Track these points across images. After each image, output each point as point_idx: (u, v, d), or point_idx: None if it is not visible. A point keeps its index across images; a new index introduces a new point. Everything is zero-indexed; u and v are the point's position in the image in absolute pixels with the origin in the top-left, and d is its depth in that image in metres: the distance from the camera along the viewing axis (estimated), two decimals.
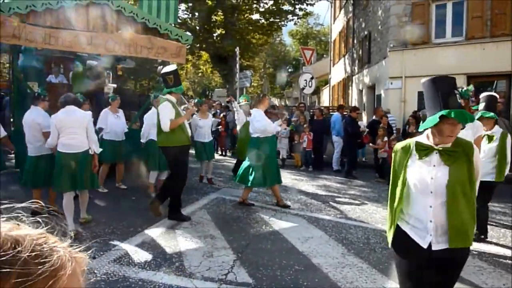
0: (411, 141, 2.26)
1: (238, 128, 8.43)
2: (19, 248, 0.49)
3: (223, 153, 13.67)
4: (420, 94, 12.11)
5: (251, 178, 6.17)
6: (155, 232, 4.96)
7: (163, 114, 5.25)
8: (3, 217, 0.56)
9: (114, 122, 6.95)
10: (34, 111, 5.38)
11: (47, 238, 0.55)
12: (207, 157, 8.12)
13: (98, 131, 6.86)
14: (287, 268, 3.95)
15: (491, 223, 5.60)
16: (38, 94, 5.54)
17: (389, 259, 4.23)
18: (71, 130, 4.81)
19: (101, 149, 5.33)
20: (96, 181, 5.22)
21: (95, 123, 6.86)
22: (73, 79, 8.98)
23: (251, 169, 6.20)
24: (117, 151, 6.98)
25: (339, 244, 4.70)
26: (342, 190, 7.93)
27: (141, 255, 4.21)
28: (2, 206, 0.61)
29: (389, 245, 2.31)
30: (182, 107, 5.61)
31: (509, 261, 4.24)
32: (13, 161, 8.23)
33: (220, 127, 13.22)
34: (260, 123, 6.14)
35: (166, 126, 5.18)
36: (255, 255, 4.31)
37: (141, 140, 6.74)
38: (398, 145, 2.31)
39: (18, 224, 0.56)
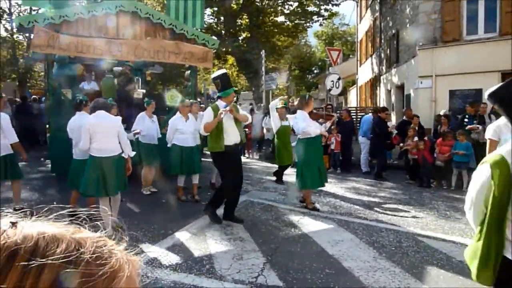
0: (503, 154, 1.81)
1: (274, 131, 8.22)
2: (82, 250, 0.52)
3: (250, 156, 13.71)
4: (452, 93, 11.77)
5: (302, 181, 6.19)
6: (185, 235, 5.02)
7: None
8: (65, 221, 0.59)
9: (150, 126, 7.10)
10: (81, 117, 5.45)
11: (106, 241, 0.58)
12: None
13: (134, 134, 7.05)
14: (318, 271, 3.91)
15: None
16: (80, 100, 5.64)
17: (423, 263, 4.13)
18: (103, 134, 4.90)
19: (134, 152, 5.43)
20: (126, 184, 5.27)
21: (128, 127, 7.06)
22: (103, 85, 9.24)
23: (299, 172, 6.25)
24: (155, 154, 7.13)
25: (370, 247, 4.62)
26: (372, 193, 7.79)
27: (172, 258, 4.27)
28: (64, 211, 0.65)
29: (476, 278, 1.96)
30: (227, 108, 5.35)
31: None
32: (49, 165, 8.54)
33: (246, 129, 13.25)
34: (300, 125, 6.08)
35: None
36: (285, 258, 4.29)
37: (168, 145, 6.80)
38: (492, 160, 1.83)
39: (79, 228, 0.59)
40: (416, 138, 8.66)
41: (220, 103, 5.41)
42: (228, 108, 5.28)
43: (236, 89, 6.56)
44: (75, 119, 5.49)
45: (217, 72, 5.62)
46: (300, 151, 6.25)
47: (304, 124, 6.03)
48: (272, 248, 4.58)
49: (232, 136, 5.39)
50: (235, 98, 6.19)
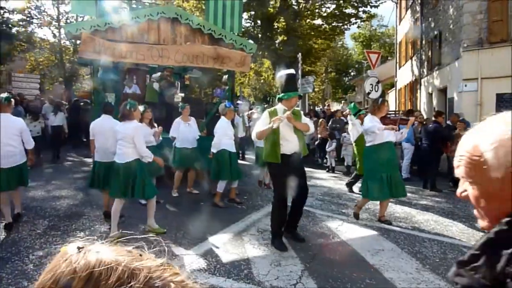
0: None
1: (352, 140, 7.79)
2: (132, 283, 0.54)
3: None
4: (499, 97, 11.22)
5: (365, 190, 5.77)
6: (223, 238, 5.06)
7: (257, 123, 4.93)
8: (131, 246, 0.60)
9: (184, 130, 7.19)
10: (105, 119, 5.57)
11: (164, 270, 0.58)
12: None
13: (172, 139, 7.20)
14: (358, 281, 3.83)
15: None
16: (108, 103, 5.73)
17: None
18: (120, 141, 4.99)
19: (149, 159, 5.15)
20: (150, 191, 5.07)
21: (168, 131, 7.21)
22: (147, 90, 9.50)
23: (364, 181, 5.89)
24: (189, 158, 7.20)
25: (412, 258, 4.47)
26: (413, 200, 7.54)
27: (211, 261, 4.31)
28: (126, 237, 0.66)
29: None
30: (285, 114, 4.67)
31: None
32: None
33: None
34: (364, 125, 5.76)
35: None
36: (323, 266, 4.23)
37: (213, 150, 6.71)
38: None
39: (140, 255, 0.60)
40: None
41: (280, 107, 4.80)
42: (285, 115, 4.60)
43: (300, 94, 5.74)
44: (98, 121, 5.60)
45: (283, 71, 4.92)
46: (365, 159, 5.88)
47: (373, 124, 5.51)
48: (310, 255, 4.53)
49: (290, 144, 4.72)
50: (298, 103, 5.57)
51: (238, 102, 15.13)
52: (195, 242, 4.91)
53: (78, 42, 8.73)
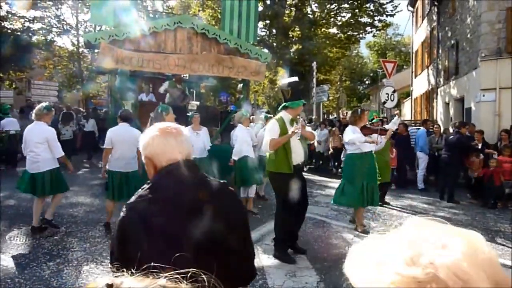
0: None
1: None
2: None
3: None
4: None
5: (339, 195, 5.85)
6: None
7: (266, 132, 4.80)
8: (162, 277, 0.59)
9: (193, 140, 7.13)
10: (123, 127, 5.53)
11: None
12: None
13: None
14: None
15: None
16: (126, 110, 5.72)
17: None
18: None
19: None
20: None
21: None
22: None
23: (340, 187, 5.93)
24: (202, 168, 7.21)
25: None
26: (430, 212, 7.42)
27: None
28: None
29: None
30: (299, 123, 4.69)
31: None
32: None
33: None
34: (346, 136, 5.82)
35: (266, 146, 4.65)
36: (339, 278, 4.16)
37: (234, 158, 6.77)
38: None
39: (176, 284, 0.59)
40: (481, 156, 8.17)
41: (285, 115, 4.72)
42: (300, 123, 4.65)
43: (305, 102, 5.71)
44: (116, 129, 5.54)
45: (287, 80, 4.91)
46: (347, 166, 5.99)
47: (349, 134, 5.66)
48: (326, 266, 4.49)
49: (298, 154, 4.71)
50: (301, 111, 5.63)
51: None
52: None
53: (96, 51, 8.88)
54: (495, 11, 11.44)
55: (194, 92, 11.37)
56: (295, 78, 4.97)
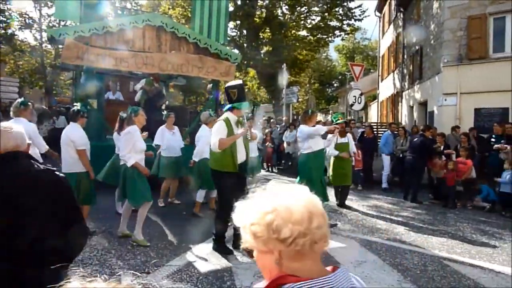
0: None
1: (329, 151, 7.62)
2: None
3: (270, 169, 13.67)
4: (477, 112, 11.52)
5: None
6: (207, 249, 5.00)
7: (213, 132, 4.89)
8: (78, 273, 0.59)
9: (170, 138, 7.10)
10: (71, 128, 5.23)
11: None
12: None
13: (155, 148, 7.07)
14: None
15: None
16: (77, 110, 5.32)
17: None
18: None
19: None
20: (140, 196, 5.08)
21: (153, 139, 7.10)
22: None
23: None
24: (176, 167, 7.12)
25: (394, 270, 4.50)
26: (395, 211, 7.64)
27: (193, 272, 4.25)
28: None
29: None
30: (247, 124, 5.03)
31: None
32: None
33: (267, 144, 13.28)
34: (306, 130, 6.11)
35: (214, 146, 4.74)
36: None
37: (194, 159, 6.75)
38: None
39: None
40: (443, 158, 8.49)
41: (231, 116, 4.90)
42: (247, 124, 4.99)
43: (256, 102, 6.02)
44: (66, 130, 5.24)
45: (234, 82, 5.17)
46: (303, 165, 6.19)
47: (306, 130, 6.03)
48: None
49: (242, 154, 4.94)
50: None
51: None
52: (178, 253, 4.85)
53: (60, 47, 8.58)
54: (457, 19, 11.94)
55: (164, 91, 11.21)
56: (240, 81, 5.31)
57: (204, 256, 4.76)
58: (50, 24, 22.52)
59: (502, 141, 8.42)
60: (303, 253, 0.96)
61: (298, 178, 6.32)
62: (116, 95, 10.34)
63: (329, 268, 1.04)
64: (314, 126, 6.31)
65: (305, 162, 6.18)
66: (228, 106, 5.00)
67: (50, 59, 23.84)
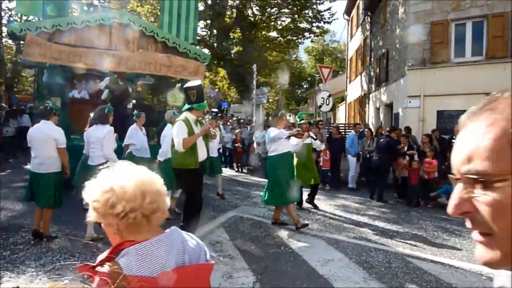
0: None
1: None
2: None
3: (240, 170, 13.66)
4: (439, 114, 11.97)
5: (266, 197, 6.18)
6: None
7: (175, 133, 4.93)
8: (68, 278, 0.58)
9: (143, 138, 6.94)
10: (49, 126, 5.04)
11: None
12: None
13: (124, 148, 6.86)
14: None
15: None
16: (50, 108, 5.14)
17: (412, 286, 4.13)
18: (92, 144, 5.28)
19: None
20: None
21: (121, 139, 6.92)
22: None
23: (269, 188, 6.18)
24: (149, 167, 6.92)
25: (360, 267, 4.61)
26: (361, 211, 7.81)
27: None
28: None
29: None
30: (207, 123, 5.32)
31: None
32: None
33: (237, 144, 13.27)
34: (270, 133, 6.14)
35: (178, 146, 4.81)
36: (275, 277, 4.25)
37: (159, 158, 6.64)
38: None
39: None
40: (407, 158, 8.76)
41: (190, 116, 4.99)
42: (208, 123, 5.24)
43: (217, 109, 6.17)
44: (42, 127, 5.02)
45: (192, 83, 5.22)
46: (270, 167, 6.23)
47: (272, 132, 6.06)
48: (262, 266, 4.54)
49: (202, 151, 5.07)
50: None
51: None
52: None
53: (22, 42, 8.24)
54: (421, 24, 12.35)
55: (131, 90, 10.98)
56: (199, 82, 5.39)
57: None
58: (12, 19, 21.60)
59: None
60: (139, 224, 1.17)
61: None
62: (82, 93, 10.04)
63: (167, 231, 1.25)
64: (284, 128, 6.36)
65: (272, 164, 6.21)
66: (187, 106, 5.09)
67: (11, 54, 22.85)
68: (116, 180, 1.17)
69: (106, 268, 1.08)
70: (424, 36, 12.31)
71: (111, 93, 8.66)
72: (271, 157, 6.21)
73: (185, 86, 5.23)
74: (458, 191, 0.62)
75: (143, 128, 7.17)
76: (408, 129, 10.62)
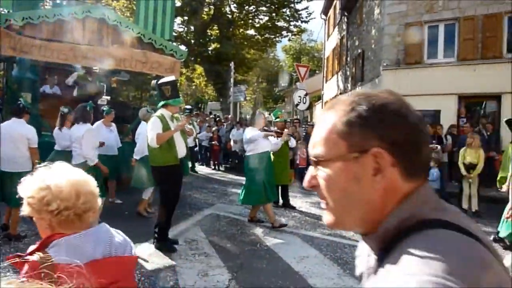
0: None
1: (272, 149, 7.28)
2: None
3: (216, 168, 13.61)
4: None
5: (243, 196, 6.20)
6: (148, 249, 4.88)
7: (149, 128, 4.87)
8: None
9: (107, 135, 6.80)
10: (21, 125, 4.92)
11: None
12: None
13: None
14: None
15: None
16: (23, 106, 5.01)
17: None
18: (73, 143, 5.29)
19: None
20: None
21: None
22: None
23: (246, 187, 6.19)
24: (112, 166, 6.80)
25: (334, 264, 4.67)
26: None
27: (135, 273, 4.12)
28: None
29: None
30: (183, 119, 5.32)
31: None
32: None
33: (214, 142, 13.22)
34: (247, 135, 6.13)
35: (152, 141, 4.72)
36: (250, 274, 4.26)
37: (135, 157, 6.53)
38: None
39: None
40: None
41: (165, 112, 4.91)
42: (183, 119, 5.27)
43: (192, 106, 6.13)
44: (14, 125, 4.89)
45: (167, 78, 5.16)
46: (248, 167, 6.22)
47: (249, 133, 6.06)
48: (238, 264, 4.54)
49: (180, 148, 4.97)
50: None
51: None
52: None
53: None
54: (396, 25, 12.61)
55: (105, 86, 10.74)
56: (173, 77, 5.31)
57: (146, 256, 4.64)
58: None
59: (434, 141, 9.02)
60: (71, 221, 1.25)
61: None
62: (54, 89, 9.75)
63: (95, 226, 1.34)
64: (263, 127, 6.35)
65: (249, 164, 6.21)
66: (162, 102, 4.98)
67: None
68: (53, 179, 1.24)
69: (35, 257, 1.14)
70: (398, 37, 12.57)
71: (80, 89, 8.46)
72: (249, 156, 6.19)
73: (159, 81, 5.13)
74: (310, 170, 0.80)
75: (113, 124, 7.02)
76: None
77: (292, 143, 7.85)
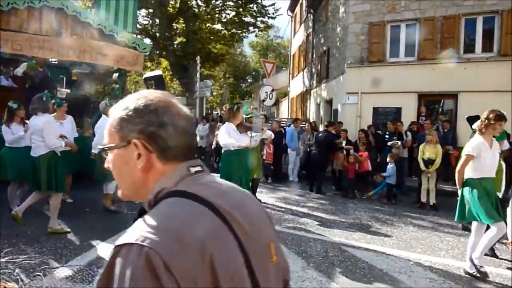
0: None
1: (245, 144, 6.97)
2: None
3: None
4: (375, 110, 12.60)
5: None
6: (111, 247, 4.74)
7: None
8: None
9: (60, 130, 6.42)
10: None
11: None
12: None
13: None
14: None
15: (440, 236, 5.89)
16: None
17: (347, 272, 4.32)
18: (32, 135, 5.08)
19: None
20: (60, 185, 5.15)
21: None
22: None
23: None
24: (67, 160, 6.49)
25: (298, 257, 4.73)
26: (301, 203, 8.03)
27: (96, 272, 4.00)
28: None
29: None
30: None
31: (458, 272, 4.45)
32: None
33: None
34: (221, 138, 5.97)
35: None
36: None
37: (93, 151, 6.30)
38: None
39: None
40: (344, 152, 9.13)
41: None
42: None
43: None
44: None
45: (152, 73, 5.08)
46: (225, 163, 6.08)
47: (224, 137, 5.86)
48: None
49: None
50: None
51: None
52: (78, 252, 4.53)
53: None
54: (360, 24, 12.88)
55: (65, 79, 10.32)
56: (158, 72, 5.01)
57: (108, 254, 4.49)
58: None
59: (395, 138, 9.31)
60: None
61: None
62: (9, 81, 9.26)
63: None
64: (240, 123, 6.17)
65: (225, 161, 6.07)
66: None
67: None
68: None
69: None
70: (362, 35, 12.85)
71: (30, 80, 8.09)
72: (225, 153, 6.02)
73: (144, 76, 5.06)
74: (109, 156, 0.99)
75: (68, 117, 6.70)
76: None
77: (268, 134, 7.69)
